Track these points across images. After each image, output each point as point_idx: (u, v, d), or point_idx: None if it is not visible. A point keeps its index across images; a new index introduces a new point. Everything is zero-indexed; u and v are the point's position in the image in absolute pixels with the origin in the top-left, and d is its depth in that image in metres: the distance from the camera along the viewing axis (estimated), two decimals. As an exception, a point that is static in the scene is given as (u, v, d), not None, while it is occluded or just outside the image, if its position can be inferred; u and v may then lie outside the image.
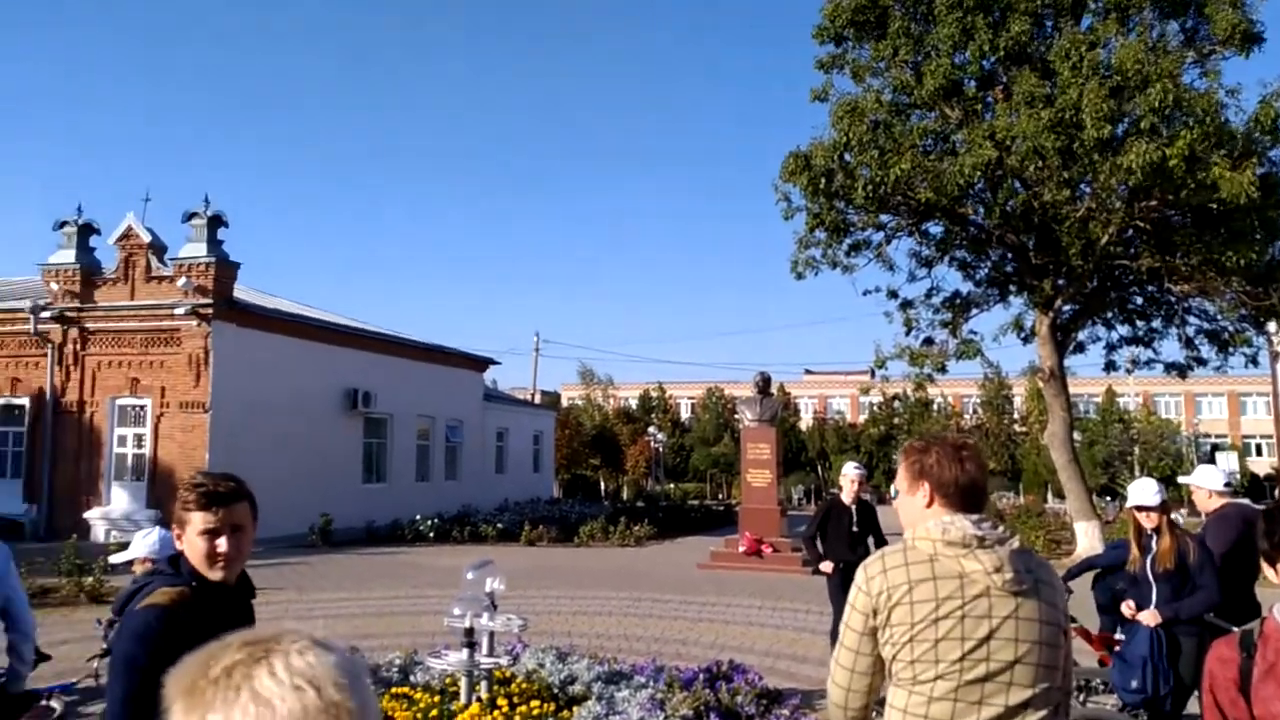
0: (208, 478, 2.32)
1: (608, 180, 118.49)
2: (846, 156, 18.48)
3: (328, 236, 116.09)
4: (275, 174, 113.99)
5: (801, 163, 18.43)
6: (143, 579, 2.33)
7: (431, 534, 22.49)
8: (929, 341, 21.79)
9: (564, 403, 62.12)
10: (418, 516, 23.21)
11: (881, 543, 7.85)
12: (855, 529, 8.10)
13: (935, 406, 56.11)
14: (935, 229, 21.50)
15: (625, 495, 45.73)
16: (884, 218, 20.45)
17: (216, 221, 20.47)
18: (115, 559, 5.10)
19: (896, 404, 56.68)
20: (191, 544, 2.27)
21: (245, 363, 20.51)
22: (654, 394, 63.30)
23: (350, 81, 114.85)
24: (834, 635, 7.71)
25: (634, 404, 61.69)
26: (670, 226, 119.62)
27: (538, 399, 47.46)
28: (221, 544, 2.26)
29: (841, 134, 18.33)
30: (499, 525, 23.11)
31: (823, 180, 18.37)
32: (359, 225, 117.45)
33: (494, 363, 33.60)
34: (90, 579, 12.44)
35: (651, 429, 46.47)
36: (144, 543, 4.86)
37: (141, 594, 2.31)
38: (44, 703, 5.18)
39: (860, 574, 2.30)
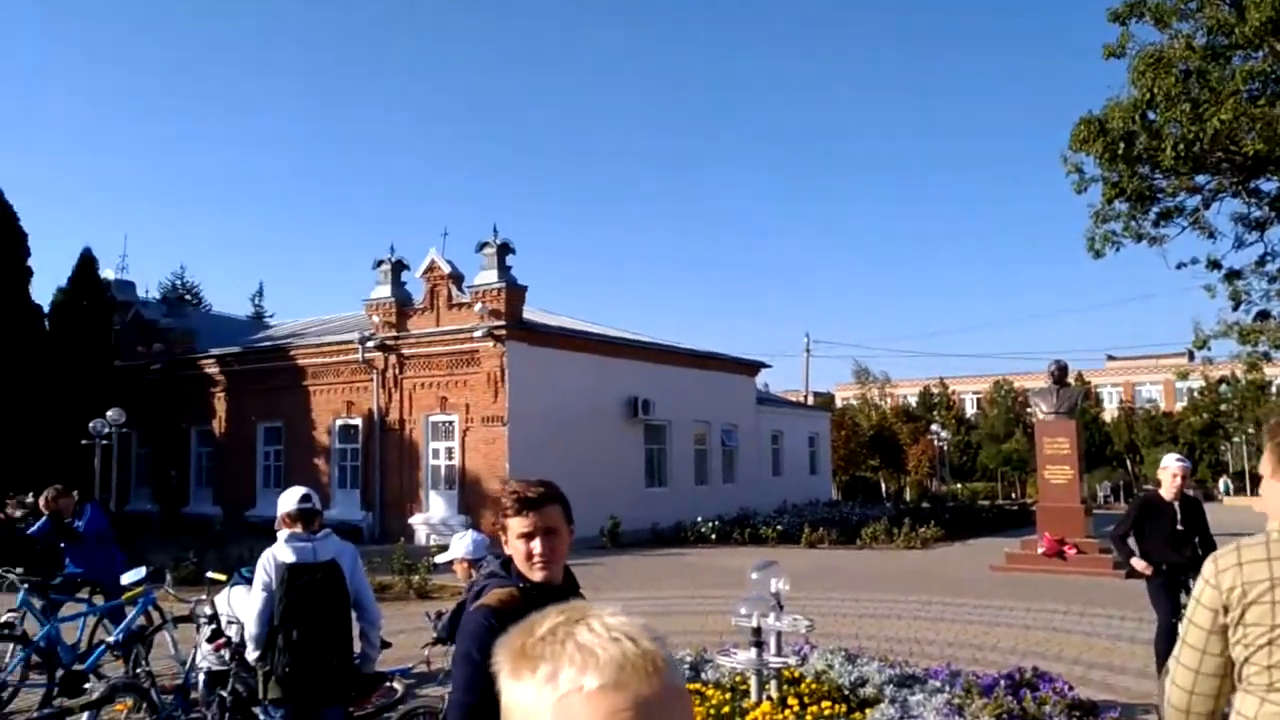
0: (521, 484, 2.45)
1: (870, 177, 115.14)
2: (1150, 115, 16.49)
3: (594, 251, 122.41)
4: (536, 191, 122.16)
5: (1095, 128, 16.70)
6: (481, 580, 2.52)
7: (712, 535, 22.96)
8: (1264, 315, 18.89)
9: (838, 403, 60.95)
10: (699, 519, 23.79)
11: (1209, 544, 6.96)
12: (1180, 527, 7.24)
13: (1275, 389, 48.75)
14: (1268, 185, 18.61)
15: (908, 496, 44.00)
16: (1200, 179, 18.03)
17: (505, 249, 22.32)
18: (438, 559, 5.71)
19: (1223, 388, 49.88)
20: (513, 547, 2.42)
21: (536, 378, 22.14)
22: (935, 390, 60.41)
23: (598, 94, 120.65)
24: (1158, 644, 6.96)
25: (913, 401, 59.24)
26: (941, 214, 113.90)
27: (811, 400, 46.94)
28: (536, 546, 2.37)
29: (1143, 90, 16.34)
30: (778, 527, 23.13)
31: (1121, 145, 16.52)
32: (625, 237, 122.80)
33: (765, 366, 33.77)
34: (417, 577, 13.96)
35: (934, 427, 44.18)
36: (460, 545, 5.40)
37: (480, 595, 2.52)
38: (388, 684, 5.90)
39: (1209, 566, 2.07)
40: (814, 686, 6.12)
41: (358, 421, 24.58)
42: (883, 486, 47.73)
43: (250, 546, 16.46)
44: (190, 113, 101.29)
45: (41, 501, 8.92)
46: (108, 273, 28.27)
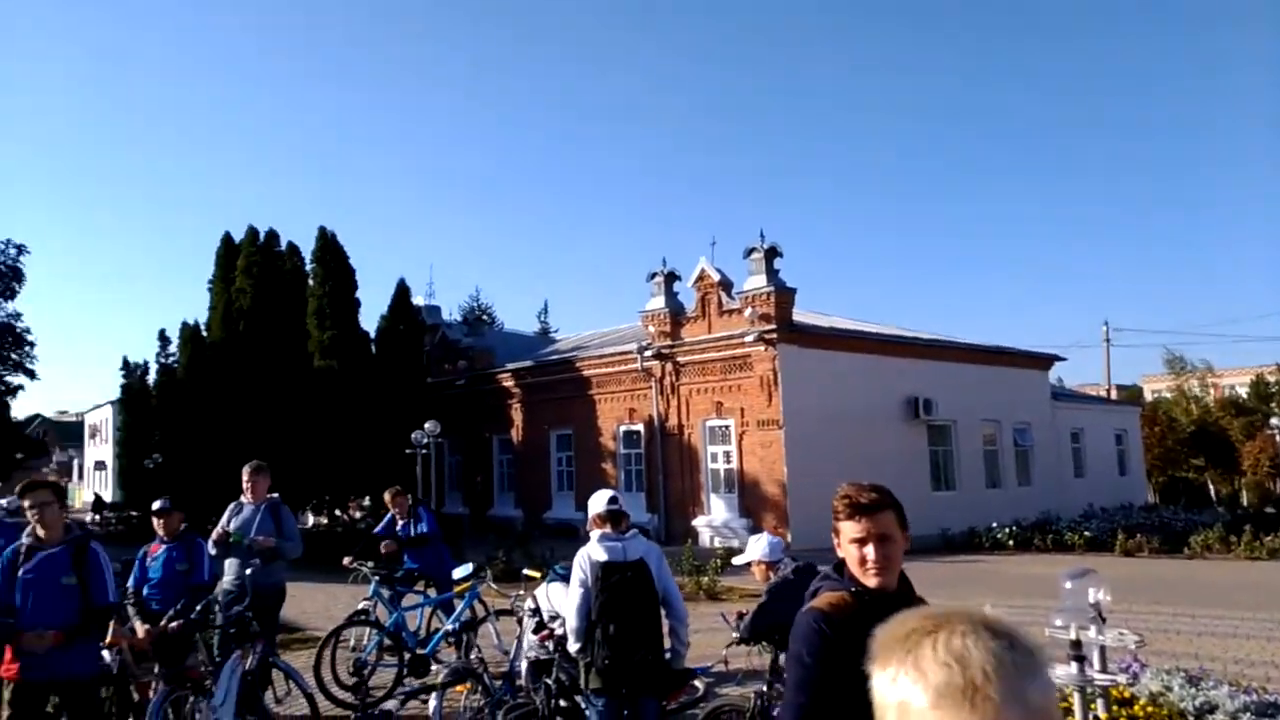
0: (853, 488, 2.42)
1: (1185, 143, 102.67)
2: None
3: (867, 249, 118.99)
4: (807, 192, 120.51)
5: None
6: (816, 582, 2.52)
7: (1010, 542, 21.54)
8: None
9: (1147, 396, 54.77)
10: (993, 524, 22.39)
11: None
12: None
13: None
14: None
15: (1245, 500, 38.58)
16: None
17: (772, 253, 22.33)
18: (735, 561, 5.82)
19: None
20: (845, 551, 2.40)
21: (809, 380, 21.92)
22: (1271, 378, 52.49)
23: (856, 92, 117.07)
24: None
25: (1243, 392, 51.85)
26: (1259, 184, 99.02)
27: (1113, 395, 42.61)
28: (870, 552, 2.34)
29: None
30: (1086, 533, 21.24)
31: None
32: (899, 233, 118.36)
33: (1059, 359, 31.11)
34: (706, 578, 14.27)
35: (1274, 421, 38.34)
36: (757, 547, 5.47)
37: (814, 595, 2.52)
38: (692, 682, 6.08)
39: None
40: (1150, 710, 5.52)
41: (639, 428, 25.61)
42: (1211, 489, 42.19)
43: (550, 546, 17.68)
44: (480, 152, 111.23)
45: (388, 498, 10.15)
46: (418, 300, 31.59)
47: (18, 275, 27.99)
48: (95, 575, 4.91)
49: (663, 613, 4.91)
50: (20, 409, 33.83)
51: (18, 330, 28.28)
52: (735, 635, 5.60)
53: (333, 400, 24.26)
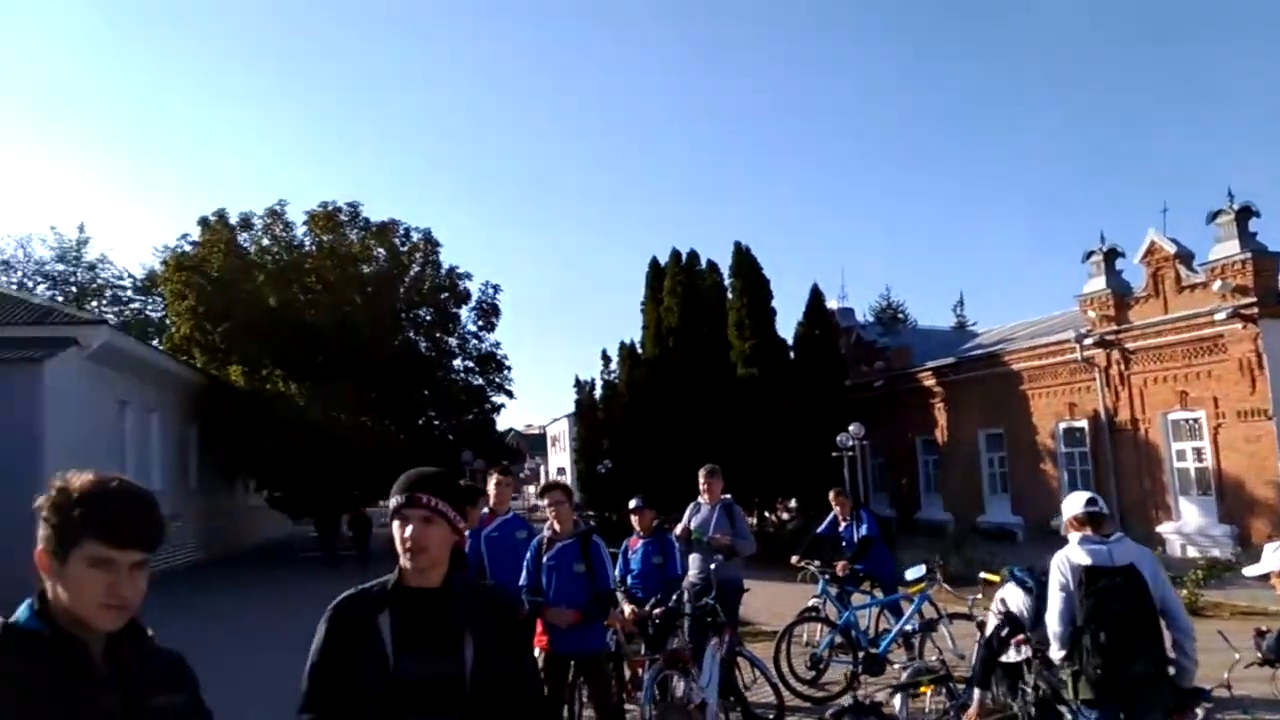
0: None
1: None
2: None
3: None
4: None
5: None
6: None
7: None
8: None
9: None
10: None
11: None
12: None
13: None
14: None
15: None
16: None
17: (1246, 213, 19.02)
18: (1248, 572, 5.06)
19: None
20: None
21: (1309, 360, 18.30)
22: None
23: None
24: None
25: None
26: None
27: None
28: None
29: None
30: None
31: None
32: None
33: None
34: (1184, 591, 12.55)
35: None
36: (1274, 556, 4.74)
37: None
38: (1194, 707, 5.39)
39: None
40: None
41: (1082, 424, 23.29)
42: None
43: (990, 551, 16.77)
44: (884, 152, 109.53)
45: (831, 498, 10.41)
46: (831, 303, 31.88)
47: (495, 310, 33.15)
48: (599, 564, 5.69)
49: (1163, 625, 4.44)
50: (500, 424, 39.89)
51: (498, 357, 33.47)
52: (1240, 655, 4.91)
53: (756, 407, 25.38)
